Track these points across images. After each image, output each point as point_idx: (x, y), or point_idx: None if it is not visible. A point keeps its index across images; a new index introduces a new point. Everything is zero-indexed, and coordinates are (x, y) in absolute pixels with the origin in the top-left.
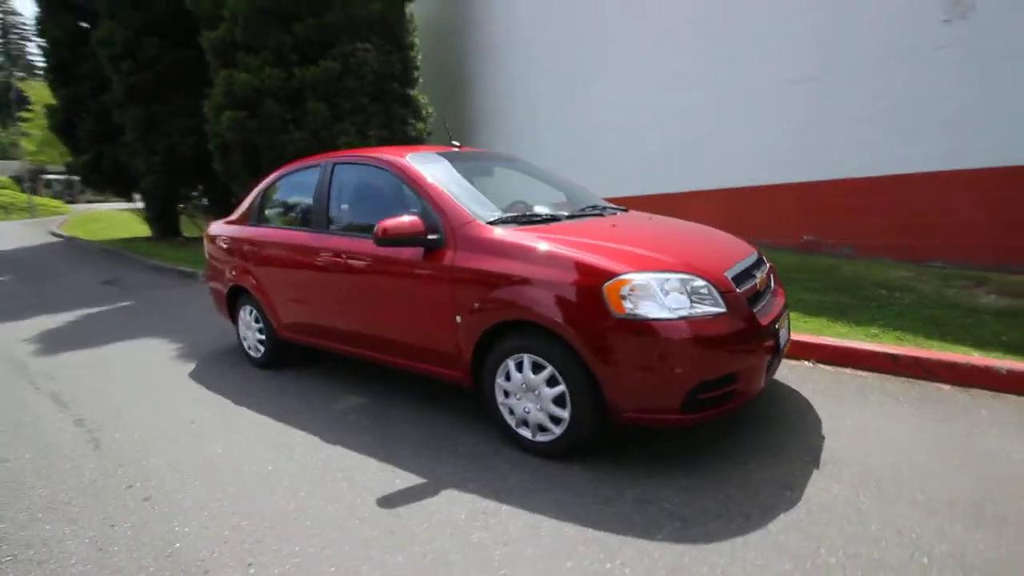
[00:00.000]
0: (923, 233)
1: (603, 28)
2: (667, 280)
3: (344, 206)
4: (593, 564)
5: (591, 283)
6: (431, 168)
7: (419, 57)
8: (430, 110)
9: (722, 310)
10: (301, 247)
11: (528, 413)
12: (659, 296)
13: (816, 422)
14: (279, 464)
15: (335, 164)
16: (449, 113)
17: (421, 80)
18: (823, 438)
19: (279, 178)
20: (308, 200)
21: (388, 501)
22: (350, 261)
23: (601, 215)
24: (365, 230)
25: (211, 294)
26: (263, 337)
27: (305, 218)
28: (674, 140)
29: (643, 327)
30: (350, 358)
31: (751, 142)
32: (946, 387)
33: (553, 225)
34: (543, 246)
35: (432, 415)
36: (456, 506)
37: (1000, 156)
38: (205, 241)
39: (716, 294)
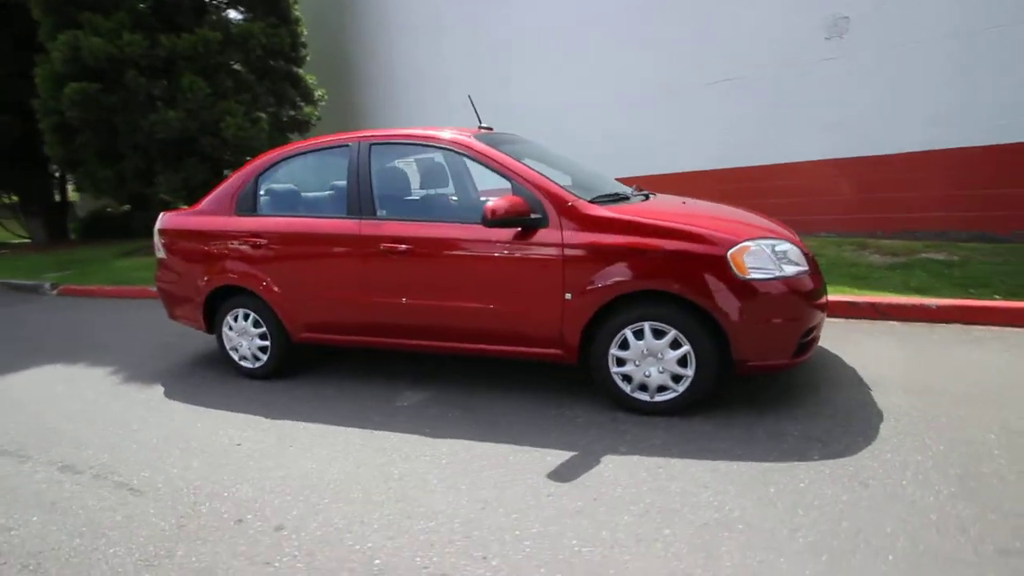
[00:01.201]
0: (811, 210)
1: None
2: (774, 245)
3: (399, 189)
4: (794, 484)
5: (716, 251)
6: (506, 150)
7: (305, 32)
8: (321, 92)
9: (806, 268)
10: (339, 236)
11: (649, 377)
12: (772, 258)
13: (836, 358)
14: (404, 466)
15: (371, 144)
16: (340, 98)
17: (309, 58)
18: (853, 368)
19: (278, 160)
20: (335, 184)
21: (561, 475)
22: (418, 248)
23: (647, 197)
24: (429, 213)
25: (167, 303)
26: (266, 343)
27: (336, 204)
28: (596, 133)
29: (766, 286)
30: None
31: (672, 136)
32: (897, 323)
33: (636, 204)
34: (657, 221)
35: (517, 396)
36: (629, 467)
37: (871, 147)
38: (160, 239)
39: (800, 255)
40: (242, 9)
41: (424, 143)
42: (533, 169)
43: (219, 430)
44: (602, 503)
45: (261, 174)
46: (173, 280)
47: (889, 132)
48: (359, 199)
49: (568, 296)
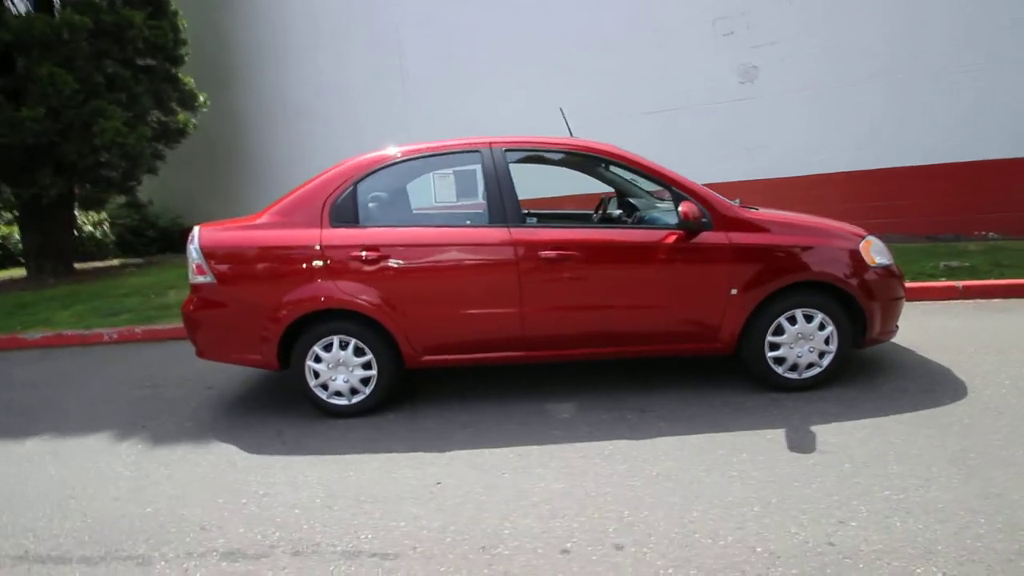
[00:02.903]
0: None
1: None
2: (877, 239)
3: None
4: (956, 429)
5: (851, 245)
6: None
7: (186, 26)
8: (203, 98)
9: None
10: (486, 246)
11: (800, 357)
12: (883, 250)
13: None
14: (650, 468)
15: (505, 150)
16: (221, 104)
17: (187, 58)
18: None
19: (384, 165)
20: (461, 191)
21: (799, 447)
22: (582, 254)
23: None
24: (579, 219)
25: (210, 339)
26: (372, 373)
27: (470, 212)
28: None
29: (887, 272)
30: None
31: None
32: (934, 302)
33: (765, 210)
34: (800, 222)
35: (669, 391)
36: (844, 433)
37: (776, 171)
38: (206, 260)
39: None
40: None
41: (568, 150)
42: (692, 181)
43: (394, 473)
44: (859, 459)
45: (361, 180)
46: (227, 310)
47: (786, 158)
48: (503, 206)
49: (734, 292)
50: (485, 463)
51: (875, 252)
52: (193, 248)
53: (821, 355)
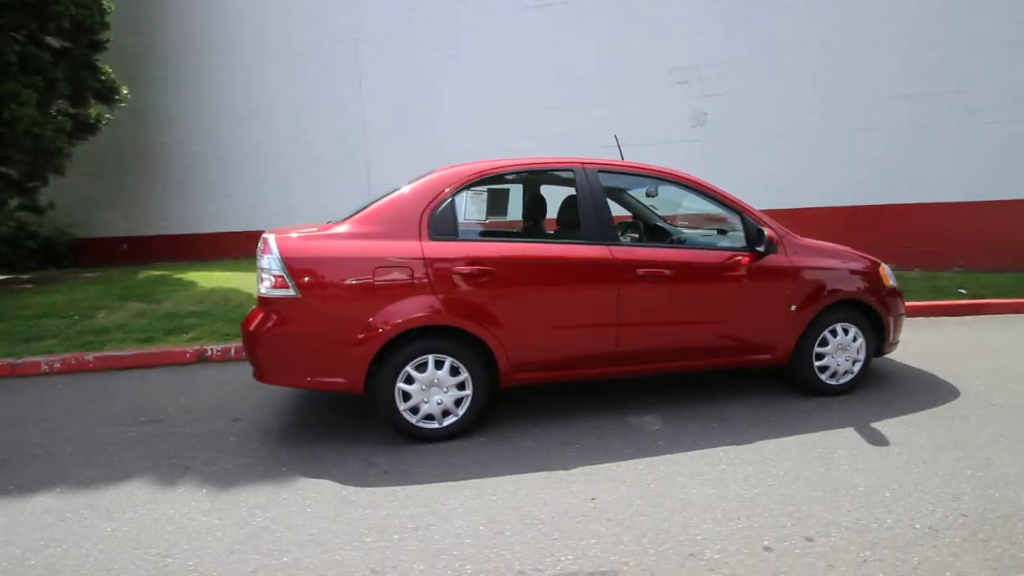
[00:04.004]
0: None
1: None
2: (886, 264)
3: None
4: (974, 419)
5: (875, 268)
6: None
7: (113, 8)
8: (125, 91)
9: None
10: (589, 263)
11: (839, 366)
12: (891, 274)
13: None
14: (776, 469)
15: (598, 171)
16: (140, 99)
17: (109, 44)
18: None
19: (481, 178)
20: (543, 210)
21: (877, 440)
22: (675, 273)
23: None
24: (669, 240)
25: (287, 361)
26: (467, 392)
27: (563, 229)
28: None
29: (896, 292)
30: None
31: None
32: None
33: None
34: (835, 247)
35: (732, 401)
36: (899, 429)
37: None
38: (288, 272)
39: None
40: None
41: (648, 174)
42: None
43: (536, 493)
44: (928, 448)
45: (458, 192)
46: (310, 328)
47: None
48: (599, 225)
49: (793, 308)
50: (620, 476)
51: (888, 275)
52: (271, 258)
53: (854, 363)
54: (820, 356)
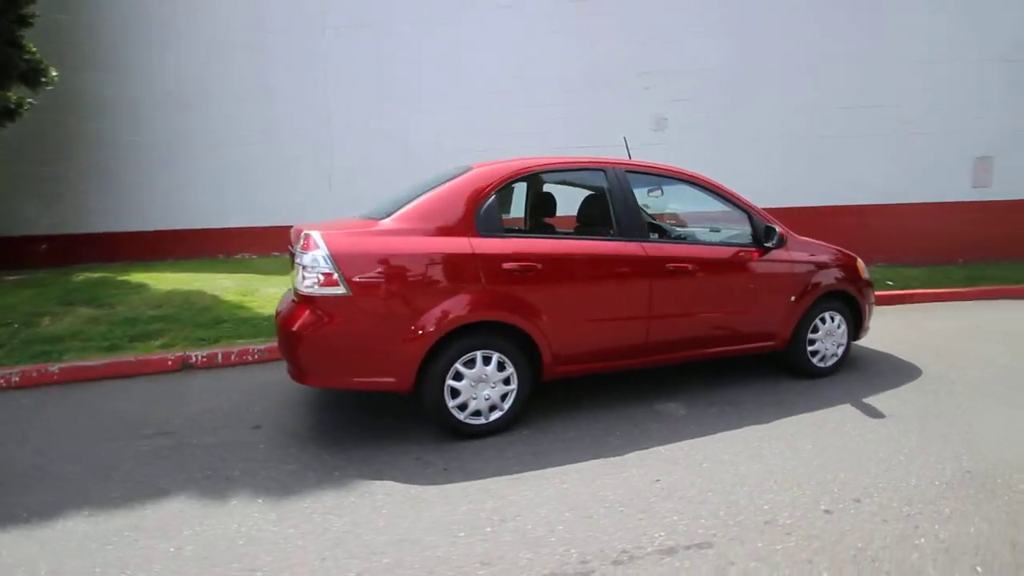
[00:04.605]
0: None
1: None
2: (859, 258)
3: (666, 213)
4: (943, 392)
5: (854, 262)
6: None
7: None
8: (53, 74)
9: None
10: (625, 258)
11: (828, 350)
12: (865, 267)
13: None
14: (800, 453)
15: (626, 172)
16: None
17: (36, 19)
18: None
19: (523, 175)
20: (587, 207)
21: (877, 412)
22: (698, 268)
23: None
24: (686, 236)
25: (336, 361)
26: (513, 387)
27: (595, 226)
28: None
29: (870, 283)
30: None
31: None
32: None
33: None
34: (824, 244)
35: (734, 387)
36: (886, 402)
37: None
38: (337, 269)
39: None
40: None
41: (667, 174)
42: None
43: (603, 479)
44: (916, 417)
45: (501, 189)
46: (359, 327)
47: None
48: (631, 222)
49: (792, 299)
50: (670, 458)
51: (863, 268)
52: (318, 256)
53: (838, 347)
54: (812, 342)
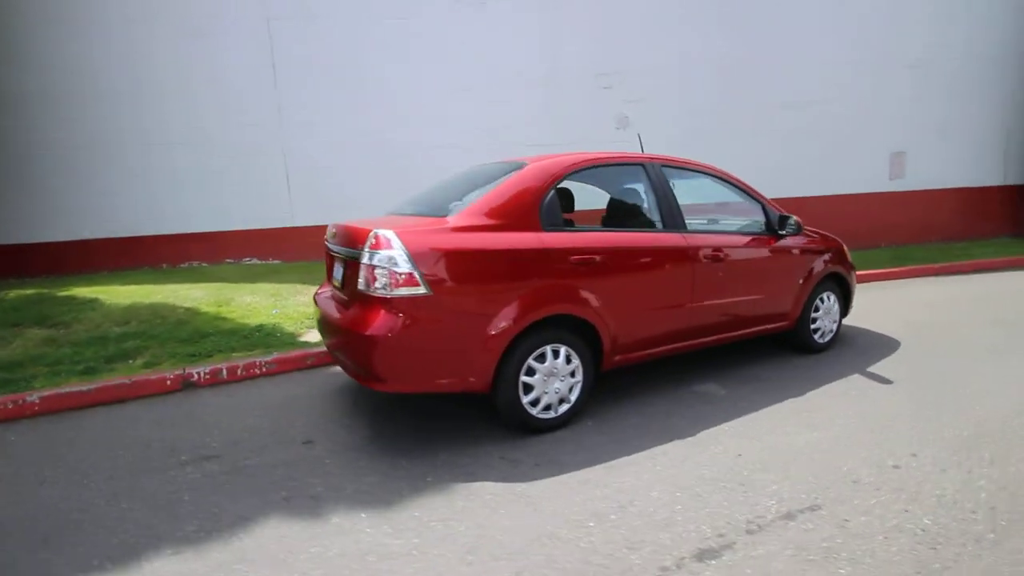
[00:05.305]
0: None
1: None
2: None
3: (702, 206)
4: (931, 358)
5: (842, 247)
6: None
7: None
8: None
9: None
10: (671, 249)
11: (826, 327)
12: (848, 251)
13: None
14: (847, 420)
15: (662, 166)
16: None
17: None
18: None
19: (575, 170)
20: (631, 200)
21: (884, 380)
22: (729, 255)
23: None
24: (715, 226)
25: (414, 365)
26: (578, 379)
27: (641, 219)
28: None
29: (854, 266)
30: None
31: None
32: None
33: None
34: (821, 232)
35: (753, 366)
36: (889, 370)
37: None
38: (417, 268)
39: None
40: None
41: (692, 168)
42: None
43: (691, 460)
44: (919, 383)
45: (558, 183)
46: (442, 327)
47: None
48: (671, 214)
49: (800, 281)
50: (737, 434)
51: (847, 251)
52: (394, 255)
53: (833, 324)
54: (814, 320)
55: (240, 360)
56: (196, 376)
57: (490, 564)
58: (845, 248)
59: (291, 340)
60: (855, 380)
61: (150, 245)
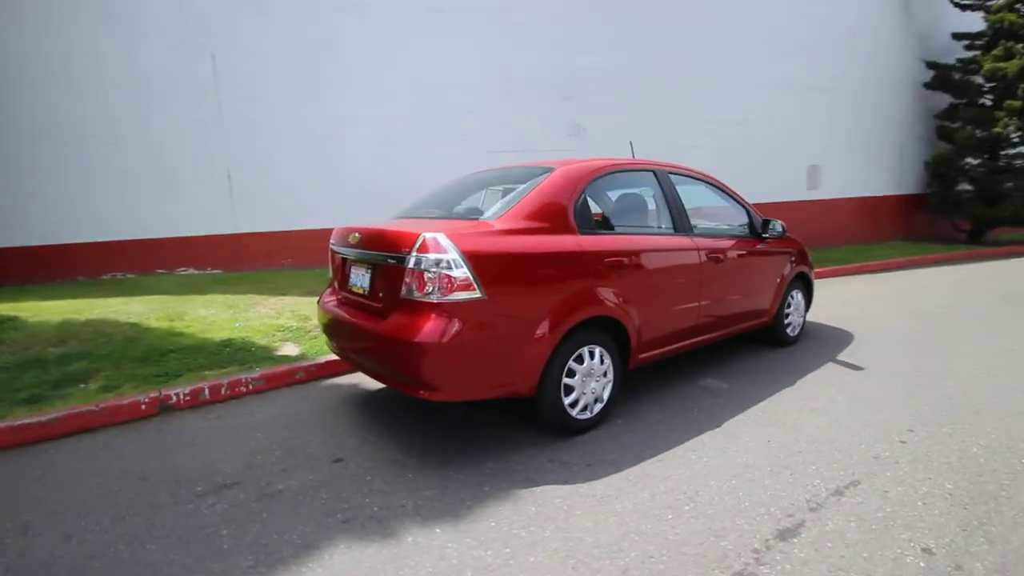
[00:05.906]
0: None
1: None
2: None
3: (698, 210)
4: (906, 343)
5: (803, 247)
6: None
7: None
8: None
9: None
10: (684, 251)
11: (795, 321)
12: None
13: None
14: (850, 405)
15: (668, 173)
16: None
17: None
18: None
19: (600, 175)
20: (645, 205)
21: (861, 367)
22: (729, 257)
23: None
24: (713, 230)
25: (468, 371)
26: (610, 379)
27: (654, 222)
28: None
29: (812, 264)
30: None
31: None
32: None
33: None
34: (791, 236)
35: (748, 360)
36: (867, 360)
37: None
38: (471, 270)
39: None
40: None
41: (694, 175)
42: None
43: (730, 449)
44: (901, 369)
45: (587, 187)
46: (496, 332)
47: None
48: (680, 218)
49: (778, 280)
50: (757, 422)
51: (808, 253)
52: (448, 259)
53: (801, 318)
54: (786, 316)
55: (222, 378)
56: (175, 398)
57: (594, 566)
58: (806, 249)
59: (267, 355)
60: (832, 368)
61: (65, 254)
